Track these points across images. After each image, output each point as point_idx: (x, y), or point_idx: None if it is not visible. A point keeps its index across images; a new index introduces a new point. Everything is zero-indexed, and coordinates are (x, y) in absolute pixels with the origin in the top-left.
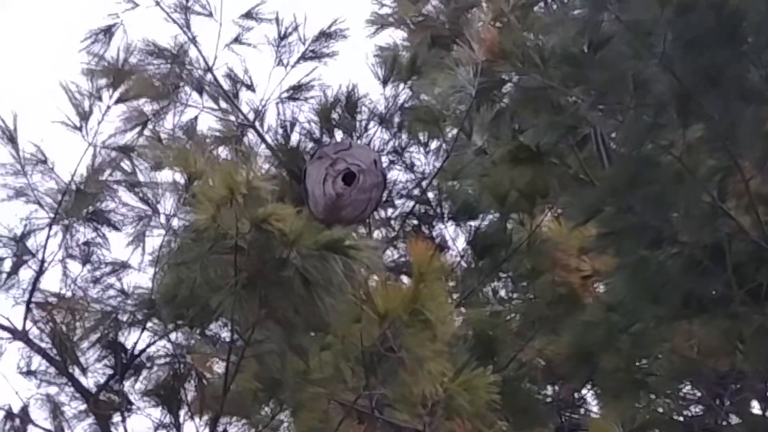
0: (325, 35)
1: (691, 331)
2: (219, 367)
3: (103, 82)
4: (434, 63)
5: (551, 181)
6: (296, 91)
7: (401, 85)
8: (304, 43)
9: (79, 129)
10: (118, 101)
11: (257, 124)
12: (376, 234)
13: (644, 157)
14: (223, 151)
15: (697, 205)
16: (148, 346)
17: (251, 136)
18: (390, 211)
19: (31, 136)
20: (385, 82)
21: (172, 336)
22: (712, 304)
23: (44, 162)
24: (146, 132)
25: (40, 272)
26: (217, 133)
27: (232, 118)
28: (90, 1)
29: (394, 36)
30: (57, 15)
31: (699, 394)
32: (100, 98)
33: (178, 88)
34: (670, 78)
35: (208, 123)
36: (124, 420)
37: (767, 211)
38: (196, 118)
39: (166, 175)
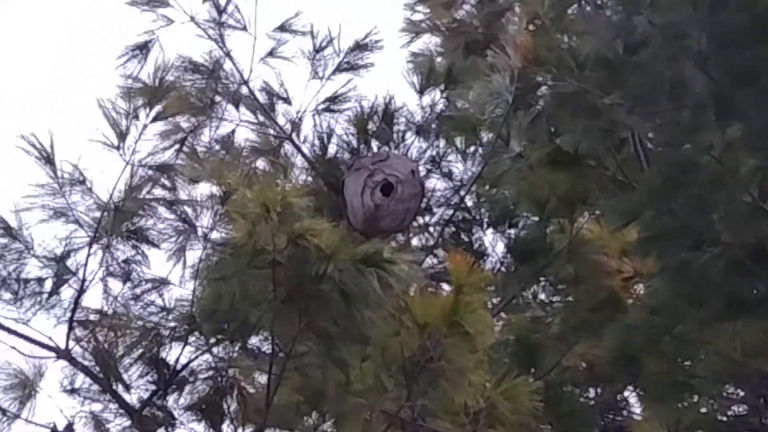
0: (360, 47)
1: (734, 332)
2: (261, 380)
3: (140, 101)
4: (470, 70)
5: (591, 186)
6: (332, 103)
7: (437, 94)
8: (339, 55)
9: (117, 148)
10: (156, 119)
11: (294, 136)
12: (415, 242)
13: (683, 158)
14: (260, 164)
15: (737, 205)
16: (190, 361)
17: (288, 148)
18: (428, 218)
19: (66, 155)
20: (421, 92)
21: (214, 350)
22: (755, 304)
23: (83, 182)
24: (184, 148)
25: (81, 291)
26: (255, 146)
27: (269, 130)
28: (90, 1)
29: (428, 42)
30: (57, 15)
31: (743, 394)
32: (137, 117)
33: (215, 103)
34: (706, 79)
35: (244, 136)
36: None
37: None
38: (233, 131)
39: (203, 189)
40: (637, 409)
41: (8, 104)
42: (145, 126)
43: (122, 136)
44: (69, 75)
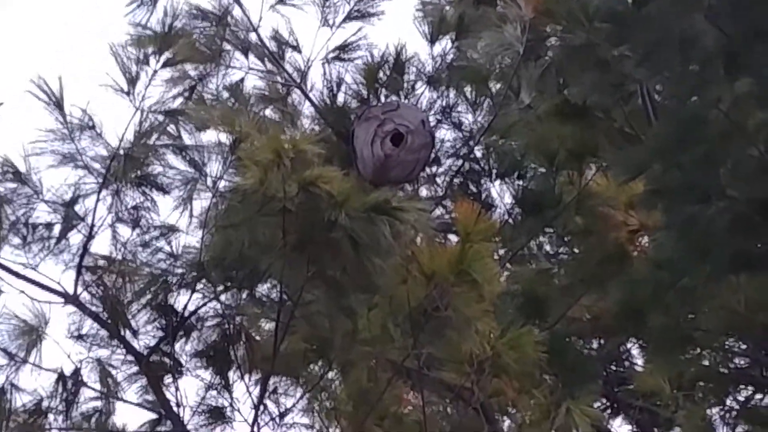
0: None
1: (738, 286)
2: (268, 327)
3: (149, 48)
4: (480, 20)
5: (599, 138)
6: (342, 51)
7: (448, 44)
8: (349, 3)
9: (127, 93)
10: (165, 65)
11: (303, 84)
12: (423, 193)
13: (691, 113)
14: (268, 112)
15: (745, 159)
16: (198, 308)
17: (296, 97)
18: (436, 169)
19: (76, 100)
20: (432, 42)
21: (222, 298)
22: (760, 258)
23: (92, 127)
24: (192, 96)
25: (90, 236)
26: (263, 94)
27: (278, 78)
28: (90, 1)
29: None
30: (57, 15)
31: (745, 347)
32: (147, 63)
33: (224, 51)
34: (716, 32)
35: (253, 84)
36: (175, 381)
37: None
38: (241, 79)
39: (210, 137)
40: (639, 361)
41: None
42: (155, 72)
43: (132, 81)
44: (69, 75)
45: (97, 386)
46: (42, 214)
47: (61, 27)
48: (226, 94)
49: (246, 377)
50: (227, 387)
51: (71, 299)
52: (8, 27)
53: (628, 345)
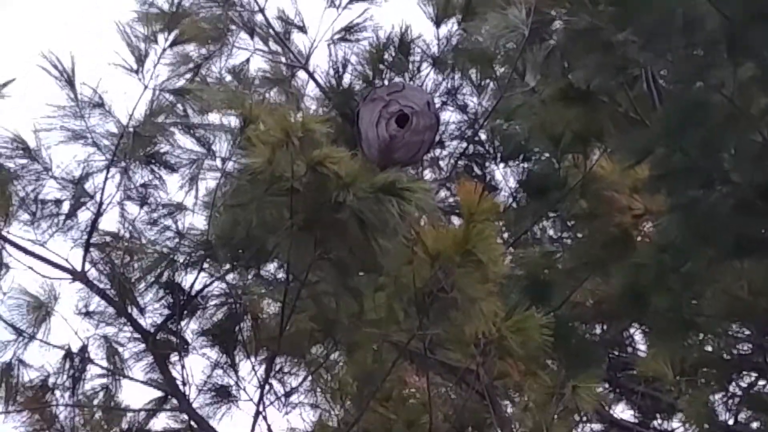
0: None
1: (741, 271)
2: (274, 307)
3: (157, 26)
4: (486, 2)
5: (604, 122)
6: (348, 33)
7: (454, 26)
8: None
9: (136, 72)
10: (173, 44)
11: (308, 66)
12: (428, 175)
13: (695, 97)
14: (273, 94)
15: (748, 144)
16: (205, 287)
17: (301, 79)
18: (441, 151)
19: (86, 78)
20: (437, 23)
21: (228, 277)
22: (763, 243)
23: (102, 105)
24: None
25: (99, 214)
26: (267, 76)
27: (282, 60)
28: (90, 1)
29: None
30: (57, 15)
31: (748, 333)
32: (155, 41)
33: (229, 31)
34: (720, 16)
35: (257, 66)
36: (181, 360)
37: None
38: (247, 60)
39: (214, 118)
40: (642, 346)
41: (66, 46)
42: (164, 50)
43: (141, 60)
44: (79, 54)
45: (104, 363)
46: (51, 190)
47: (61, 27)
48: (228, 77)
49: (252, 356)
50: (233, 366)
51: (79, 276)
52: (8, 27)
53: (631, 330)
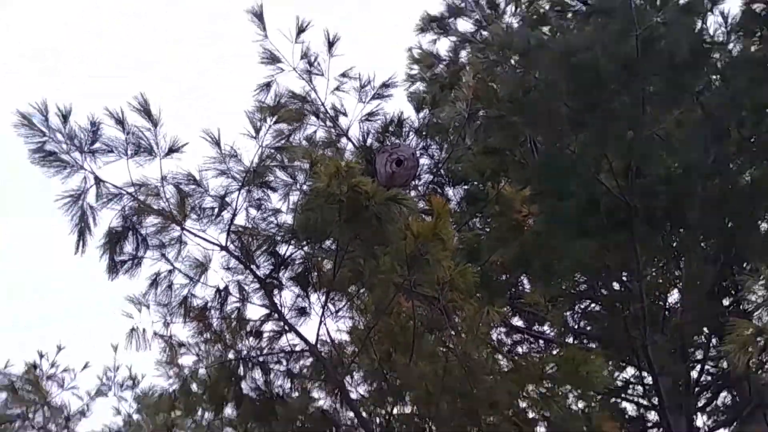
0: (386, 85)
1: (581, 247)
2: (329, 264)
3: (266, 113)
4: (444, 99)
5: (507, 165)
6: (370, 116)
7: (427, 112)
8: (373, 89)
9: (255, 137)
10: (275, 122)
11: (348, 134)
12: (413, 193)
13: (553, 154)
14: (328, 151)
15: (587, 177)
16: (292, 254)
17: (344, 142)
18: (419, 181)
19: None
20: (417, 111)
21: (305, 248)
22: (594, 231)
23: (235, 156)
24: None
25: (234, 214)
26: (325, 140)
27: (334, 131)
28: (90, 1)
29: (420, 85)
30: (57, 15)
31: (585, 278)
32: (265, 120)
33: (305, 115)
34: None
35: (320, 135)
36: (279, 293)
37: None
38: (314, 132)
39: (297, 163)
40: (528, 286)
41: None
42: (269, 126)
43: (257, 130)
44: (69, 75)
45: (237, 295)
46: (208, 201)
47: (61, 27)
48: (304, 142)
49: (317, 292)
50: (307, 296)
51: (224, 248)
52: (8, 27)
53: (522, 278)
